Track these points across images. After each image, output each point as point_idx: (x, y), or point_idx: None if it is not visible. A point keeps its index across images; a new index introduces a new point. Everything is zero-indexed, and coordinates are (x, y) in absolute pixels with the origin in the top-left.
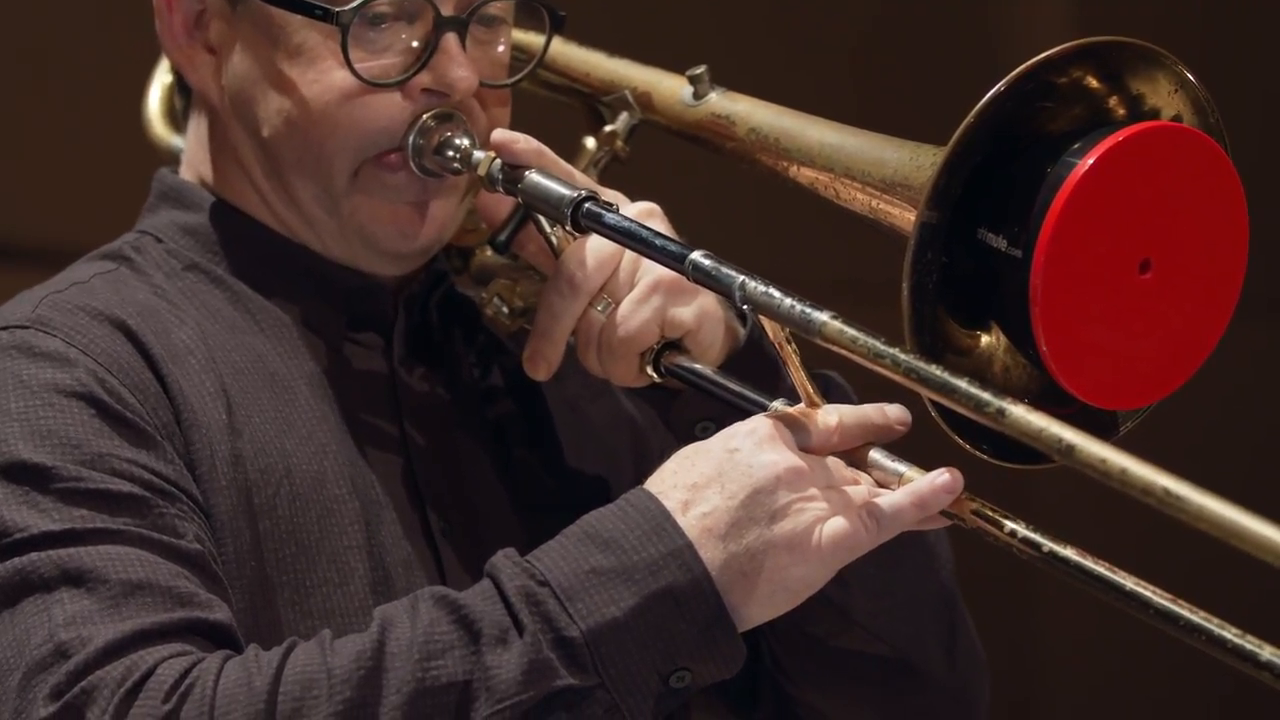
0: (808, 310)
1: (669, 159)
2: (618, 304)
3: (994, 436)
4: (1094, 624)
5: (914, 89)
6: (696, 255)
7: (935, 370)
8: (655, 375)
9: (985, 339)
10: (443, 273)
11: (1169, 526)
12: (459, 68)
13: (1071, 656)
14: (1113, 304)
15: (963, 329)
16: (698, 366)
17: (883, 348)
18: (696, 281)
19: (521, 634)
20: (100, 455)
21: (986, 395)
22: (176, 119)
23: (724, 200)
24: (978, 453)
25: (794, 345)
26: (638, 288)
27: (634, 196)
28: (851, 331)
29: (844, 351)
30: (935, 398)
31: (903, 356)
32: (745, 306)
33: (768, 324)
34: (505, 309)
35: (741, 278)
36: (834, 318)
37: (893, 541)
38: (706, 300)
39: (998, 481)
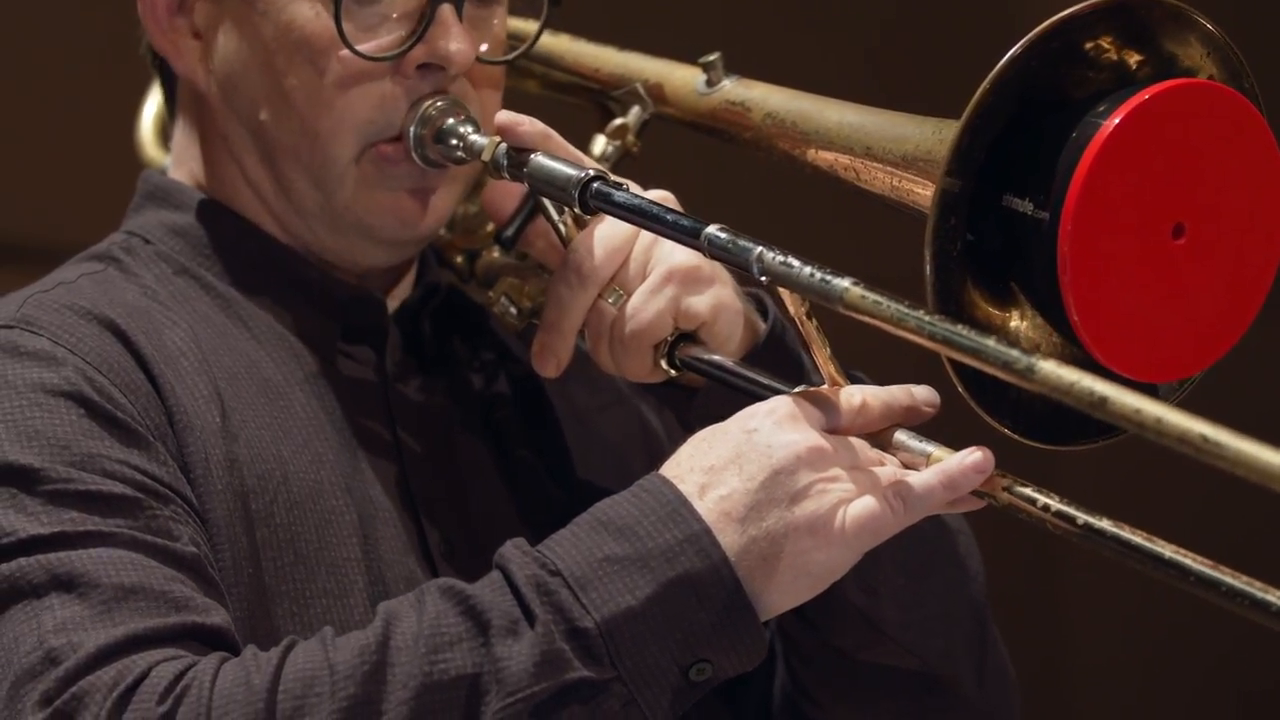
0: (828, 278)
1: (683, 158)
2: (629, 295)
3: (1018, 412)
4: (1124, 641)
5: (936, 68)
6: (712, 229)
7: (962, 331)
8: (670, 369)
9: (1013, 316)
10: (435, 285)
11: (1199, 510)
12: (456, 40)
13: (1104, 673)
14: (1145, 270)
15: (989, 306)
16: (715, 357)
17: (907, 311)
18: (713, 257)
19: (533, 625)
20: (90, 456)
21: (1015, 352)
22: (169, 140)
23: (739, 198)
24: (1001, 427)
25: (815, 321)
26: (650, 277)
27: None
28: (874, 296)
29: (867, 318)
30: (964, 359)
31: (928, 319)
32: (764, 278)
33: (787, 298)
34: (513, 309)
35: (759, 248)
36: (855, 283)
37: (924, 553)
38: (723, 291)
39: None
